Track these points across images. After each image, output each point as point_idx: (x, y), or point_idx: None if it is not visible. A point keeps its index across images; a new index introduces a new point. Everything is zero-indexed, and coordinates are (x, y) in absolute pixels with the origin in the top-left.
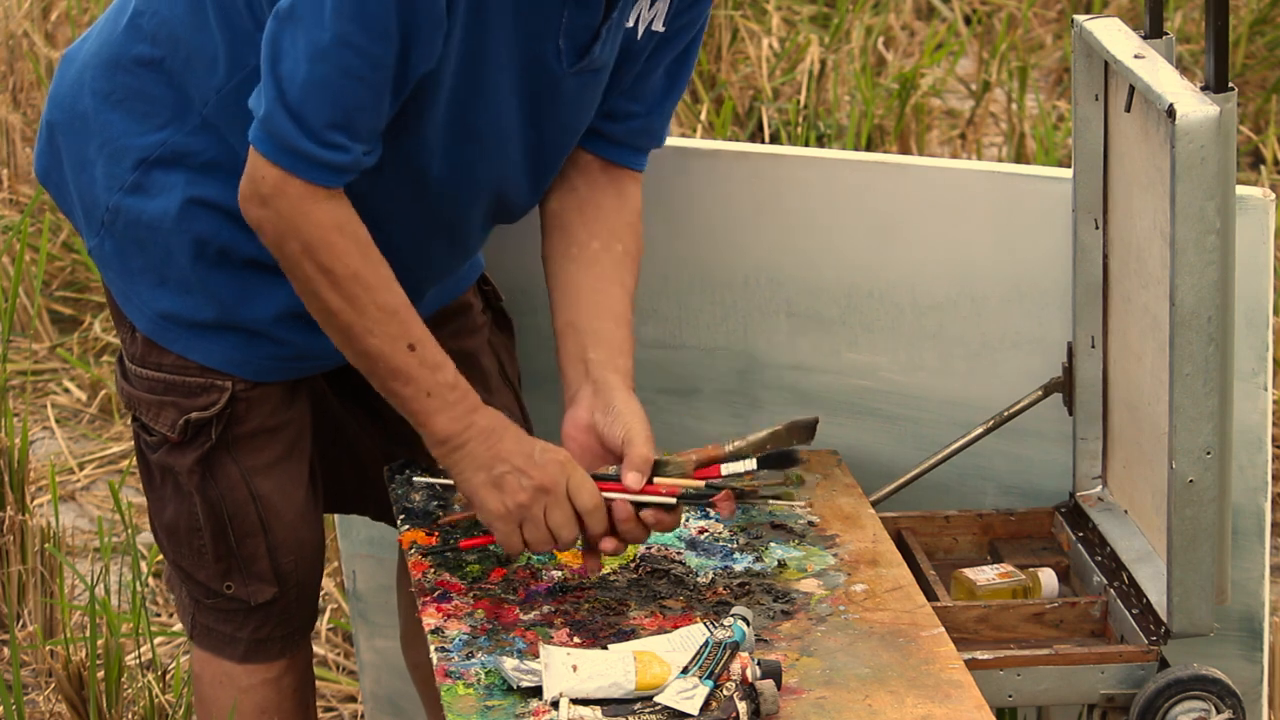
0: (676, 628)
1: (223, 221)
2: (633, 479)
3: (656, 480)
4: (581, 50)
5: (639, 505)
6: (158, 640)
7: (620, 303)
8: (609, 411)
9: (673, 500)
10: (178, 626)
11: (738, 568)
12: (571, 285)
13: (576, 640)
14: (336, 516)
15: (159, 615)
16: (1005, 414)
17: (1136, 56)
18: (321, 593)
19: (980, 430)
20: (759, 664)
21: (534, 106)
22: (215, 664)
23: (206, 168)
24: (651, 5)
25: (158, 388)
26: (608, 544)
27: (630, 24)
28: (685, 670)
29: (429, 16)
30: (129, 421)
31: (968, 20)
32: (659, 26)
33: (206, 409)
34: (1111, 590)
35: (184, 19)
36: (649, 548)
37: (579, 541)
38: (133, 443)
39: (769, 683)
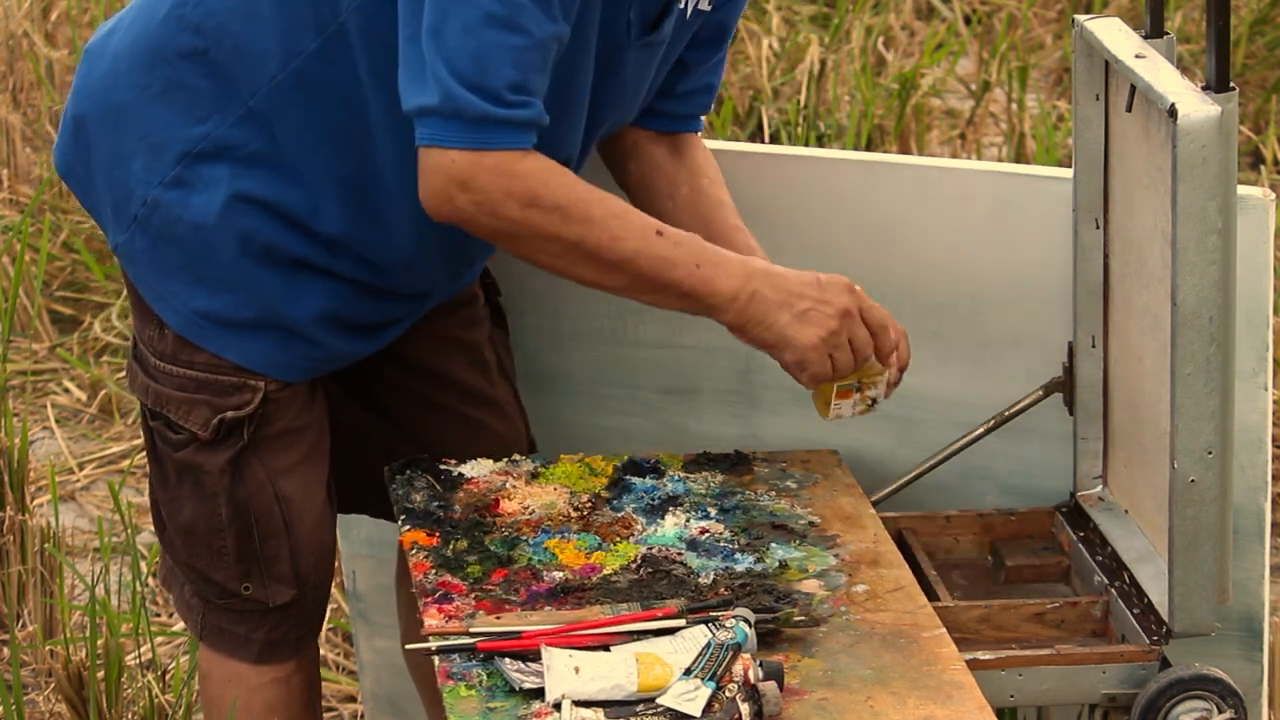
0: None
1: (267, 218)
2: None
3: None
4: (649, 24)
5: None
6: (158, 640)
7: (729, 216)
8: None
9: None
10: (178, 626)
11: (739, 568)
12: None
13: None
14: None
15: (159, 615)
16: (1005, 414)
17: (1137, 56)
18: None
19: (980, 430)
20: (761, 665)
21: (598, 77)
22: (226, 665)
23: (251, 160)
24: None
25: (189, 386)
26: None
27: (680, 4)
28: (688, 672)
29: None
30: (130, 421)
31: (968, 20)
32: (705, 5)
33: (240, 409)
34: (1113, 590)
35: (234, 8)
36: (650, 548)
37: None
38: (143, 442)
39: (771, 684)
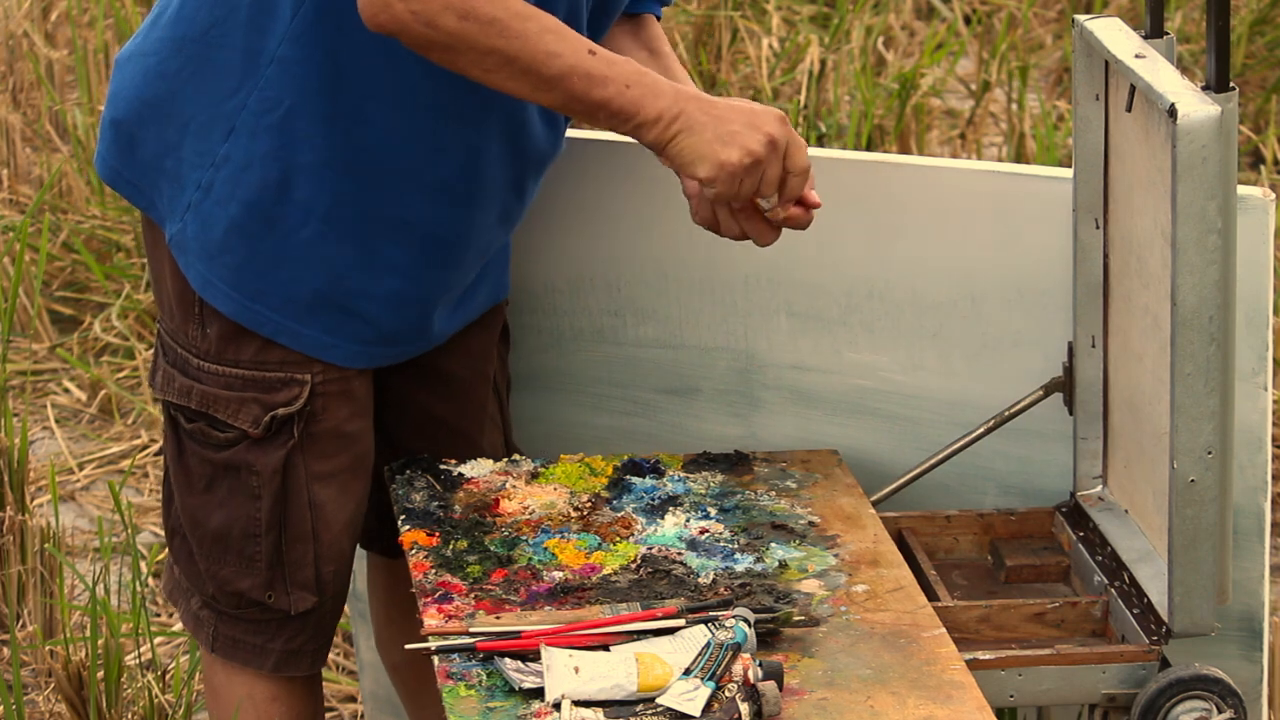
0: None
1: (326, 177)
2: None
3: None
4: None
5: None
6: (158, 640)
7: (674, 66)
8: None
9: None
10: (178, 626)
11: (739, 568)
12: None
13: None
14: None
15: (159, 615)
16: (1005, 414)
17: (1137, 56)
18: None
19: (980, 430)
20: (761, 665)
21: None
22: (238, 677)
23: (290, 117)
24: None
25: (236, 384)
26: (798, 211)
27: None
28: (687, 671)
29: None
30: (130, 421)
31: (968, 20)
32: None
33: (289, 404)
34: (1112, 590)
35: None
36: (650, 548)
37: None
38: (147, 446)
39: (771, 684)
